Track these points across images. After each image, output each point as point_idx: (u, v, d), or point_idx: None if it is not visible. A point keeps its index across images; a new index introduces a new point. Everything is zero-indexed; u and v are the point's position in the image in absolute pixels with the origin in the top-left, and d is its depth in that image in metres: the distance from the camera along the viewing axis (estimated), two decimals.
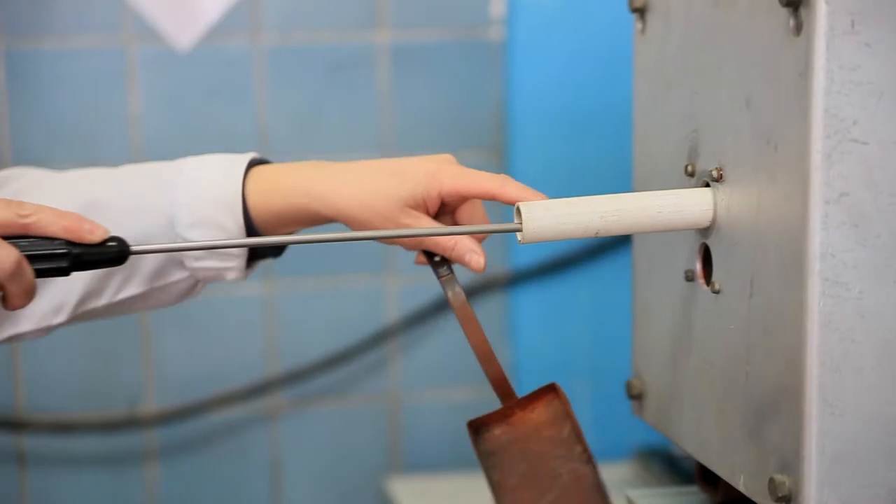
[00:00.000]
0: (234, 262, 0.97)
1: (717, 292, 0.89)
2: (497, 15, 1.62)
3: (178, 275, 0.99)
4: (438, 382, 1.68)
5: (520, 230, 0.87)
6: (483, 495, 1.60)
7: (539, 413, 0.91)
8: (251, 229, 0.96)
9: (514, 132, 1.63)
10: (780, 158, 0.80)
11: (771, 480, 0.79)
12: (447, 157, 0.98)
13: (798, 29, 0.78)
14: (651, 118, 1.01)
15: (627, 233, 0.90)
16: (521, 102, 1.62)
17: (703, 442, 0.91)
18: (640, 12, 1.02)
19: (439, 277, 0.97)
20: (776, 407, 0.80)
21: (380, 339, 1.66)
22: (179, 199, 0.96)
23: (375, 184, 0.94)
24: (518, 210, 0.88)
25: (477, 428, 0.91)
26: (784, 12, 0.79)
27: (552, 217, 0.87)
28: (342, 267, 1.65)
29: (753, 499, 0.83)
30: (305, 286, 1.66)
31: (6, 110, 1.57)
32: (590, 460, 0.85)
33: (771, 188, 0.81)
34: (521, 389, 1.67)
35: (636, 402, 1.04)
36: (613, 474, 1.55)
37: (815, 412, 0.77)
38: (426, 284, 1.67)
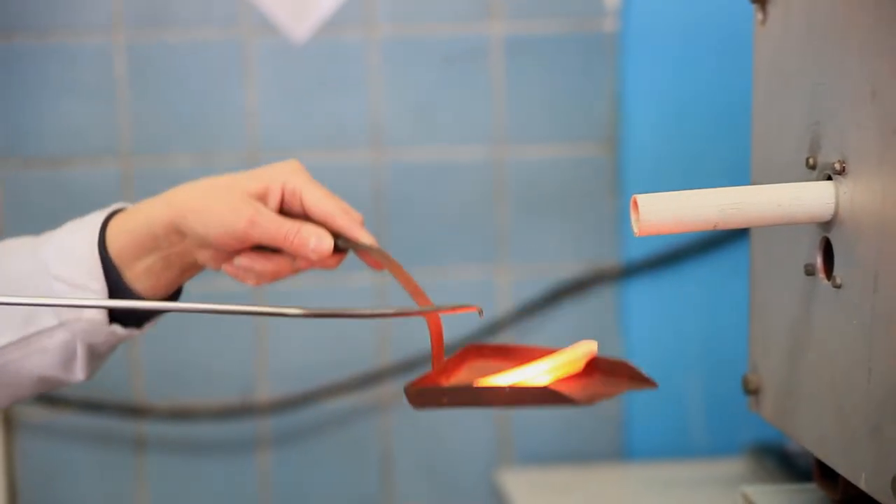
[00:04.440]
0: (91, 297, 0.96)
1: (838, 287, 0.88)
2: (611, 6, 1.61)
3: (47, 321, 0.97)
4: None
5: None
6: (595, 489, 1.60)
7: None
8: (108, 260, 0.97)
9: (628, 125, 1.62)
10: None
11: (894, 479, 0.78)
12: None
13: None
14: (771, 110, 1.00)
15: (746, 226, 0.89)
16: (636, 95, 1.61)
17: (822, 439, 0.90)
18: (761, 3, 1.00)
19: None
20: None
21: (491, 330, 1.66)
22: (52, 239, 0.99)
23: (221, 178, 0.96)
24: (634, 202, 0.87)
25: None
26: None
27: (669, 209, 0.87)
28: (453, 258, 1.66)
29: (876, 497, 0.81)
30: (417, 277, 1.66)
31: (127, 103, 1.60)
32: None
33: None
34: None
35: (753, 398, 1.03)
36: (727, 470, 1.54)
37: None
38: (538, 276, 1.67)
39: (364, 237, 0.98)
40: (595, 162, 1.64)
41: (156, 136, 1.61)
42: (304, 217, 0.98)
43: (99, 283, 0.97)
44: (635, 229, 0.88)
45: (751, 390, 1.03)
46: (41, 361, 0.98)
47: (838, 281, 0.88)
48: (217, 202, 0.94)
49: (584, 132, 1.64)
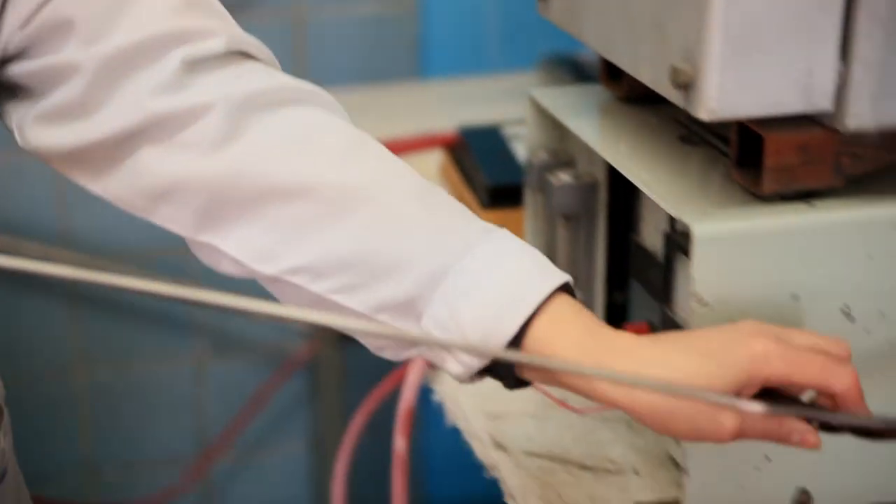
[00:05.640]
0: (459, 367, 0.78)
1: None
2: None
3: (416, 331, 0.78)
4: None
5: None
6: (392, 108, 1.60)
7: None
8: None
9: None
10: None
11: (673, 69, 0.79)
12: (767, 328, 0.74)
13: None
14: None
15: None
16: None
17: (607, 37, 0.91)
18: None
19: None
20: None
21: None
22: (438, 305, 0.76)
23: (686, 369, 0.72)
24: None
25: None
26: None
27: None
28: None
29: (655, 89, 0.83)
30: None
31: None
32: None
33: None
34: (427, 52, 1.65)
35: (542, 3, 1.03)
36: (521, 82, 1.56)
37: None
38: None
39: (861, 412, 0.75)
40: None
41: None
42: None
43: (481, 363, 0.77)
44: None
45: None
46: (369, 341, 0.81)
47: None
48: (685, 410, 0.72)
49: None
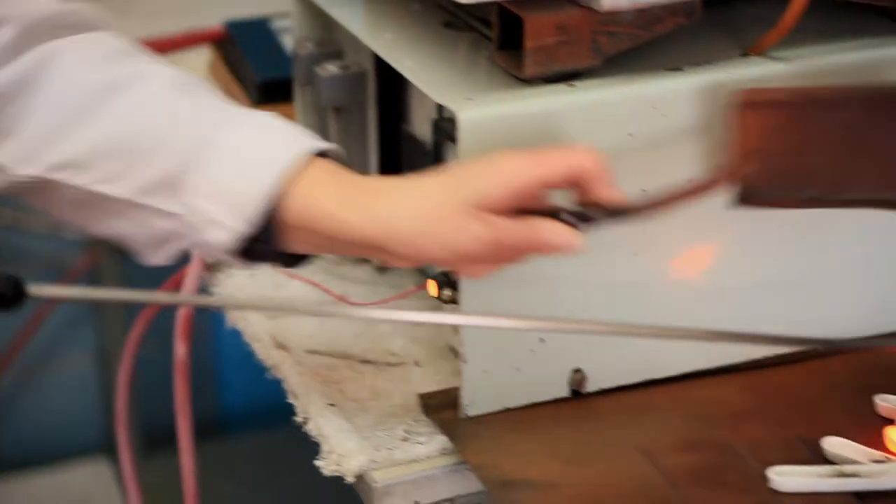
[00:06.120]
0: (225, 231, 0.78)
1: None
2: None
3: (169, 204, 0.78)
4: None
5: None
6: (146, 6, 1.53)
7: None
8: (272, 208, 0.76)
9: None
10: None
11: None
12: (517, 151, 0.76)
13: None
14: None
15: None
16: None
17: None
18: None
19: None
20: None
21: None
22: (200, 172, 0.77)
23: (436, 191, 0.74)
24: None
25: None
26: None
27: None
28: None
29: None
30: None
31: None
32: None
33: None
34: None
35: None
36: None
37: None
38: None
39: (611, 193, 0.76)
40: None
41: None
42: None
43: (246, 226, 0.76)
44: None
45: None
46: (132, 229, 0.80)
47: None
48: (435, 226, 0.74)
49: None
